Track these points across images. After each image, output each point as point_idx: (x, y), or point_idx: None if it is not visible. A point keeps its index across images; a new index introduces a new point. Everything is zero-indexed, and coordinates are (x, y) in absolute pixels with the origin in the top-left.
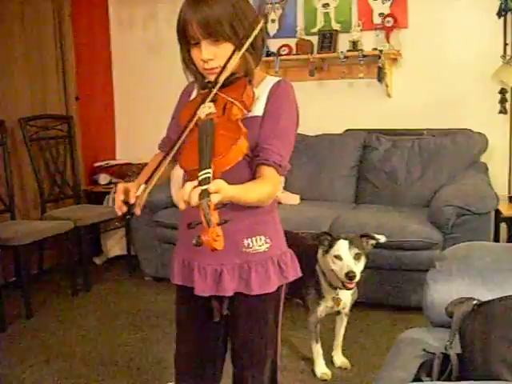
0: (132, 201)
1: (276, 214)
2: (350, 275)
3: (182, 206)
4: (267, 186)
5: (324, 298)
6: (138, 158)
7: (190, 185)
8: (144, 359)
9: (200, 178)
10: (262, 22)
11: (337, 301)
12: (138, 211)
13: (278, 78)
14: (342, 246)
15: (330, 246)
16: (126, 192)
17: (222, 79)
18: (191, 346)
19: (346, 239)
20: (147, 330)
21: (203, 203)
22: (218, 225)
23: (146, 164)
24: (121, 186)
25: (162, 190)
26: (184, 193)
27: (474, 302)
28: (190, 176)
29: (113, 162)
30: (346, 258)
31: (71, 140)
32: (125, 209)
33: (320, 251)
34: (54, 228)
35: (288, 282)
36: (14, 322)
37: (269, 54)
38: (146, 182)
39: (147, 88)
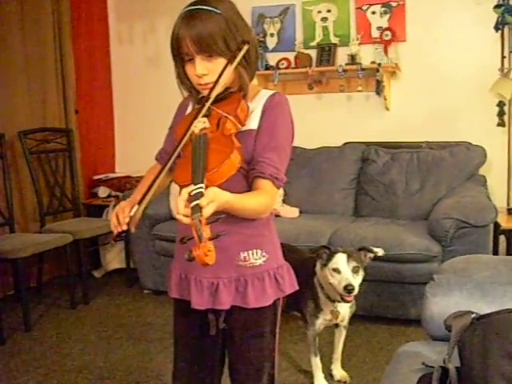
0: (127, 220)
1: (273, 227)
2: (348, 288)
3: (184, 220)
4: (264, 198)
5: (322, 310)
6: (137, 171)
7: (181, 200)
8: (143, 373)
9: (192, 193)
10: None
11: (335, 314)
12: (132, 229)
13: (272, 91)
14: (340, 259)
15: (329, 259)
16: (122, 212)
17: (214, 94)
18: (188, 359)
19: (344, 252)
20: (146, 344)
21: (195, 218)
22: (210, 239)
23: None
24: (117, 207)
25: (160, 203)
26: (178, 209)
27: (473, 315)
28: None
29: (112, 175)
30: (344, 271)
31: (70, 153)
32: (120, 229)
33: (318, 264)
34: (53, 241)
35: (285, 295)
36: (13, 335)
37: (267, 68)
38: (139, 203)
39: (146, 101)
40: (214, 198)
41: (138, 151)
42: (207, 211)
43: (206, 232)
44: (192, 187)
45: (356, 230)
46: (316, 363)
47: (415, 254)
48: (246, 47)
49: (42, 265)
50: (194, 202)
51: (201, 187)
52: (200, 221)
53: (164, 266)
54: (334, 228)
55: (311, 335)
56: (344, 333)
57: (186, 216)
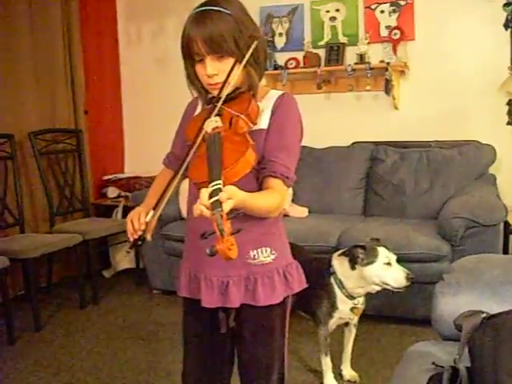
0: (143, 227)
1: (281, 225)
2: (409, 277)
3: (205, 212)
4: (276, 197)
5: (338, 309)
6: (146, 171)
7: (204, 194)
8: (153, 372)
9: (211, 190)
10: (257, 40)
11: (357, 310)
12: (148, 237)
13: (281, 92)
14: (385, 252)
15: (373, 255)
16: (138, 218)
17: (225, 93)
18: (198, 358)
19: (380, 246)
20: (156, 344)
21: (216, 214)
22: (231, 234)
23: (154, 177)
24: (132, 213)
25: (169, 203)
26: (201, 200)
27: (483, 314)
28: (199, 189)
29: (121, 176)
30: (394, 263)
31: (80, 153)
32: (136, 235)
33: (346, 265)
34: (63, 241)
35: (293, 292)
36: (23, 335)
37: (276, 68)
38: (155, 208)
39: (155, 102)
40: (232, 195)
41: (146, 151)
42: (227, 206)
43: (228, 227)
44: (211, 184)
45: (365, 230)
46: (326, 362)
47: (425, 254)
48: (254, 44)
49: (51, 265)
50: (214, 198)
51: (219, 183)
52: (221, 216)
53: (173, 266)
54: (343, 228)
55: (323, 335)
56: (354, 331)
57: (208, 209)
